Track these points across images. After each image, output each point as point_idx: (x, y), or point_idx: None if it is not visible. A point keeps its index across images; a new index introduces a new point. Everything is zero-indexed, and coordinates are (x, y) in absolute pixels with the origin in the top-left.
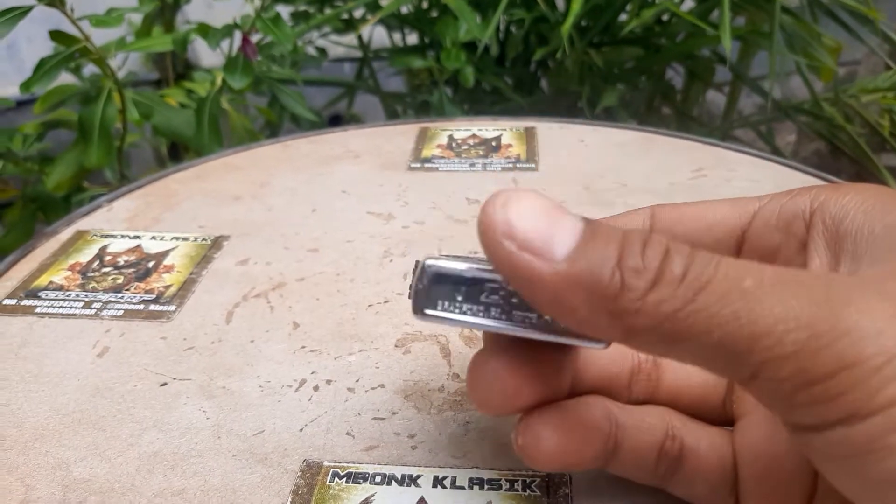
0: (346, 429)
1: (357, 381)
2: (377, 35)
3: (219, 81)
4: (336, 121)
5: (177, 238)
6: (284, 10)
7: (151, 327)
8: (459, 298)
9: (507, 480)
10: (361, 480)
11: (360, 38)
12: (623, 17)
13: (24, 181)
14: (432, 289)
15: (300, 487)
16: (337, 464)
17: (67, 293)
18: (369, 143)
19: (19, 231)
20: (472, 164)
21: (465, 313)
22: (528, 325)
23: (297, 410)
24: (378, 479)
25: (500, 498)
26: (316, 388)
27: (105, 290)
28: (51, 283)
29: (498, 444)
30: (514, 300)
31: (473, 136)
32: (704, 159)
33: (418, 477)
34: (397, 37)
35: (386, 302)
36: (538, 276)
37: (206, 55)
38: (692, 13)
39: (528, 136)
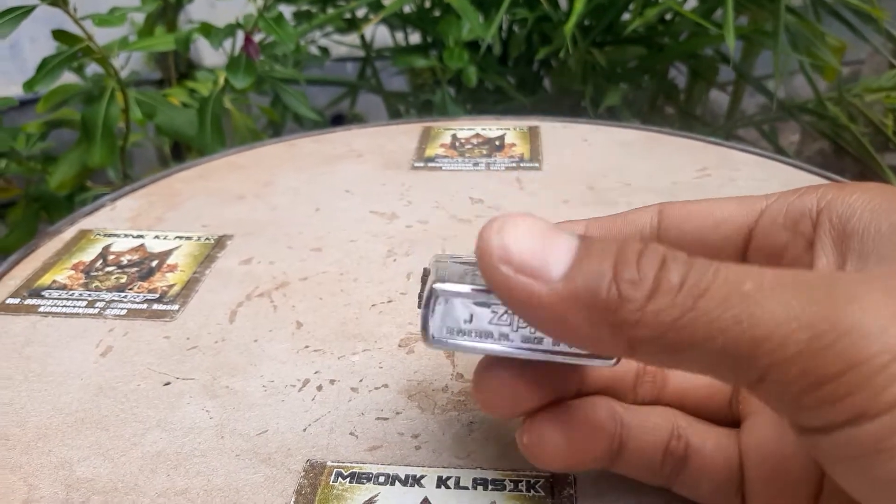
0: (350, 429)
1: (360, 380)
2: (380, 34)
3: (221, 81)
4: (339, 120)
5: (180, 237)
6: (287, 10)
7: (155, 327)
8: (468, 325)
9: (511, 481)
10: (365, 480)
11: (362, 37)
12: (626, 16)
13: (27, 180)
14: (441, 317)
15: (304, 487)
16: (340, 464)
17: (71, 292)
18: (372, 143)
19: (22, 230)
20: (476, 164)
21: (474, 340)
22: (536, 349)
23: (300, 410)
24: (382, 479)
25: (504, 498)
26: (319, 388)
27: (108, 290)
28: (54, 282)
29: (502, 445)
30: (522, 323)
31: (477, 135)
32: (709, 159)
33: (422, 477)
34: (400, 36)
35: (389, 302)
36: (537, 297)
37: (209, 55)
38: (695, 12)
39: (532, 136)
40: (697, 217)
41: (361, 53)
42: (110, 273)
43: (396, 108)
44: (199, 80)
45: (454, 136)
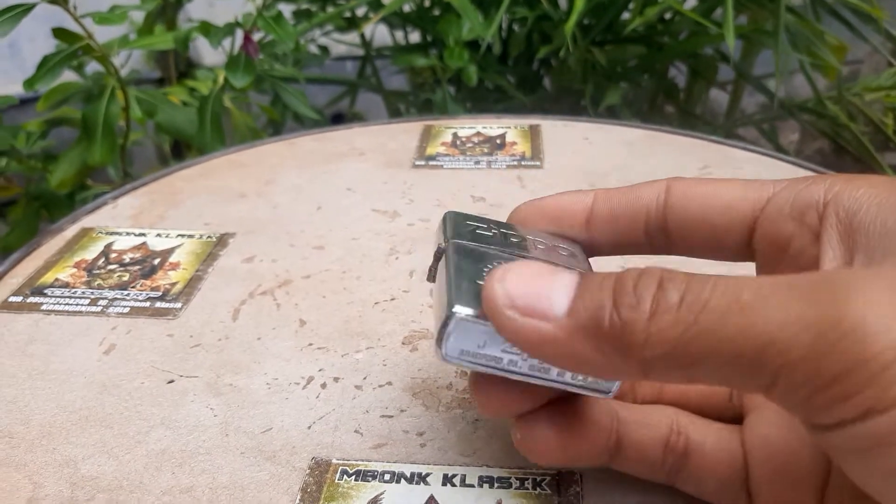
0: (355, 426)
1: (364, 378)
2: (379, 33)
3: (221, 80)
4: (339, 119)
5: (182, 235)
6: (286, 9)
7: (158, 324)
8: (481, 350)
9: (517, 478)
10: (370, 478)
11: (362, 36)
12: (626, 15)
13: (27, 179)
14: (456, 339)
15: (309, 485)
16: (346, 461)
17: (73, 290)
18: (374, 141)
19: (23, 229)
20: (477, 162)
21: (484, 363)
22: (542, 377)
23: (304, 408)
24: (387, 476)
25: (510, 496)
26: (323, 386)
27: (111, 288)
28: (56, 280)
29: (508, 442)
30: None
31: (478, 133)
32: (710, 157)
33: (427, 475)
34: (400, 35)
35: (392, 299)
36: (545, 336)
37: (208, 53)
38: (695, 11)
39: (533, 134)
40: (704, 199)
41: (361, 52)
42: (112, 271)
43: (396, 107)
44: (198, 78)
45: (455, 135)
